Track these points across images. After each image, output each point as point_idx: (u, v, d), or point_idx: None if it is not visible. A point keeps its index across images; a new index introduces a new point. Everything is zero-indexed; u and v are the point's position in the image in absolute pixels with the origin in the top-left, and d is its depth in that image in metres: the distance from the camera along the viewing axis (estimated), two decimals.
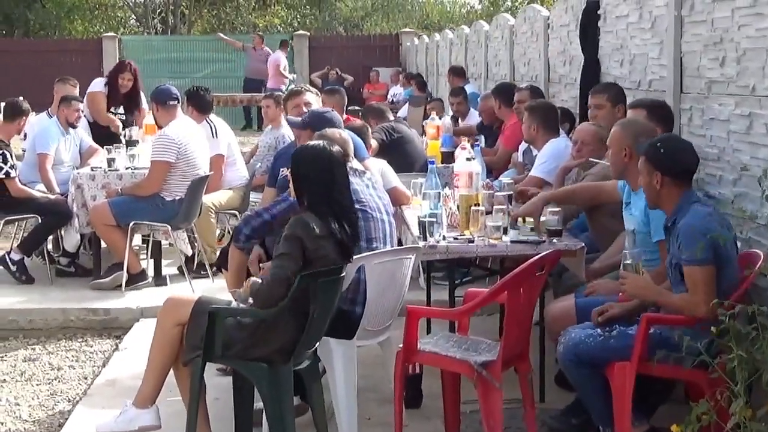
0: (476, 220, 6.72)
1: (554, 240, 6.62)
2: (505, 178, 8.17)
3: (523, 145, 9.51)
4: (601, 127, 7.52)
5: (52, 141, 10.69)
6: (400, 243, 7.15)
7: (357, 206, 6.26)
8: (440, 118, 11.33)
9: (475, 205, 6.88)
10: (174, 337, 5.88)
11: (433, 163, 7.36)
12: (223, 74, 29.63)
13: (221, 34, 32.27)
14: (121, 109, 12.07)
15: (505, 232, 6.68)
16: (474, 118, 12.80)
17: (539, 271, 5.87)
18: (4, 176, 10.09)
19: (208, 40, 31.91)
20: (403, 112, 18.91)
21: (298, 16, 43.31)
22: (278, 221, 6.30)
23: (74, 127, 10.92)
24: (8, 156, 10.13)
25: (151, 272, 10.19)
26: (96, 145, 11.17)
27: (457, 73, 16.25)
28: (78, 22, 37.84)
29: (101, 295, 9.68)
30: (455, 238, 6.66)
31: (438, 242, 6.57)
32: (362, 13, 44.45)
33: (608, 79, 9.11)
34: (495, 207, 6.88)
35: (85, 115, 11.62)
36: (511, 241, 6.60)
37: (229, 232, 11.38)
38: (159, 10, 41.74)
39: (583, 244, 6.64)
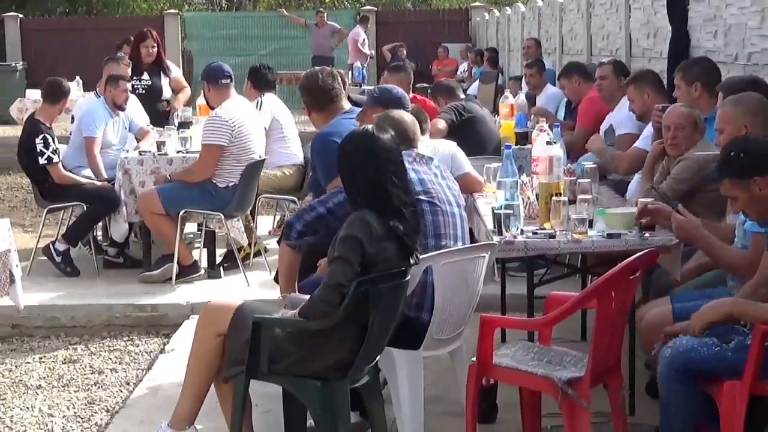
0: (558, 211, 5.94)
1: (646, 234, 5.83)
2: (586, 162, 7.39)
3: (604, 125, 8.73)
4: (692, 109, 6.71)
5: (99, 123, 10.06)
6: (472, 238, 6.38)
7: (424, 197, 5.55)
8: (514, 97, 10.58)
9: (557, 194, 6.10)
10: (213, 349, 5.19)
11: (509, 147, 6.55)
12: (290, 51, 28.94)
13: (283, 10, 31.59)
14: (145, 76, 11.52)
15: (590, 225, 5.90)
16: (551, 94, 11.99)
17: (632, 273, 5.10)
18: (46, 162, 9.51)
19: (272, 17, 31.18)
20: (472, 89, 18.15)
21: None
22: (335, 215, 5.55)
23: (122, 109, 10.25)
24: (50, 140, 9.55)
25: (204, 262, 9.54)
26: (147, 127, 10.52)
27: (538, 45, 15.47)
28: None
29: (149, 289, 9.06)
30: (534, 233, 5.90)
31: (515, 237, 5.81)
32: None
33: (699, 53, 8.32)
34: (579, 196, 6.11)
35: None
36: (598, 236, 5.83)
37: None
38: None
39: (678, 240, 5.83)
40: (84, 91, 18.96)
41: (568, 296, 5.29)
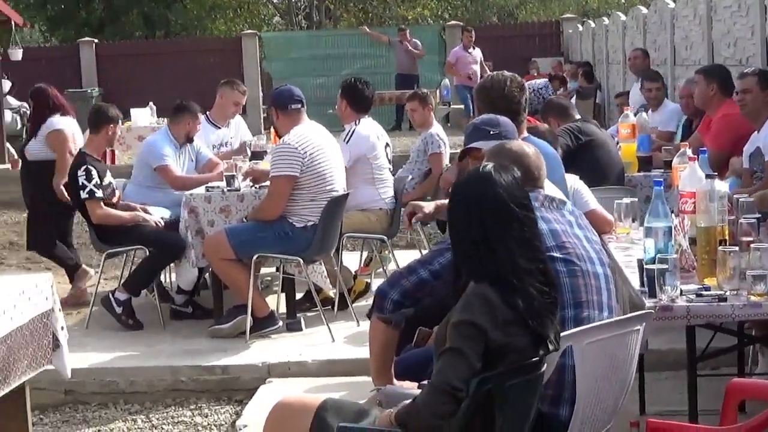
0: (725, 265, 4.63)
1: None
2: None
3: (749, 147, 7.40)
4: None
5: (166, 154, 9.09)
6: None
7: (558, 254, 4.28)
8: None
9: (722, 242, 4.80)
10: None
11: (660, 184, 5.19)
12: (373, 70, 27.90)
13: (365, 28, 30.57)
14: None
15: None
16: (671, 110, 10.68)
17: None
18: (87, 196, 8.50)
19: (354, 35, 30.24)
20: None
21: (449, 7, 41.75)
22: (442, 280, 4.29)
23: (191, 141, 9.25)
24: (93, 173, 8.54)
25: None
26: (217, 159, 9.42)
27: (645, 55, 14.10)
28: (220, 21, 36.96)
29: (220, 345, 7.97)
30: (698, 294, 4.58)
31: (674, 301, 4.51)
32: (517, 1, 42.62)
33: None
34: (740, 239, 4.82)
35: (208, 117, 9.92)
36: None
37: (377, 256, 9.57)
38: (303, 6, 40.77)
39: None
40: (158, 117, 18.12)
41: (760, 384, 3.98)
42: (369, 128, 9.02)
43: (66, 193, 9.26)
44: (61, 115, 9.68)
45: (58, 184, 9.46)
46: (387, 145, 9.24)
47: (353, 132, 8.81)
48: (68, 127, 9.67)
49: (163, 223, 8.73)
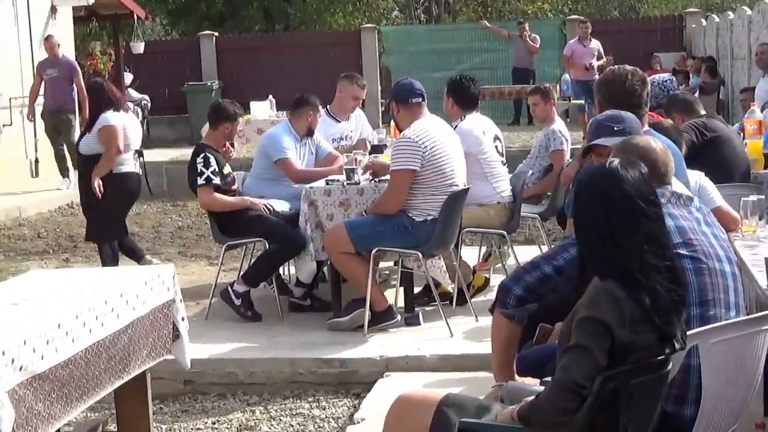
0: None
1: None
2: None
3: None
4: None
5: (287, 146, 9.12)
6: None
7: (684, 251, 4.19)
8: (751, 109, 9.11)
9: None
10: None
11: None
12: (491, 65, 27.81)
13: (485, 22, 30.37)
14: None
15: None
16: None
17: None
18: (204, 182, 8.58)
19: (473, 29, 30.04)
20: None
21: (569, 1, 41.30)
22: (566, 276, 4.23)
23: (311, 134, 9.29)
24: (212, 160, 8.65)
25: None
26: (336, 152, 9.44)
27: None
28: (339, 15, 36.95)
29: (338, 339, 7.96)
30: None
31: None
32: None
33: None
34: None
35: (328, 110, 9.92)
36: None
37: (496, 251, 9.51)
38: (422, 1, 40.62)
39: None
40: (277, 110, 18.22)
41: None
42: (473, 123, 8.95)
43: (100, 187, 9.48)
44: (115, 110, 9.73)
45: (96, 176, 9.55)
46: (496, 138, 9.14)
47: (456, 128, 8.75)
48: (120, 122, 9.70)
49: (272, 209, 8.76)
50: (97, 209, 9.77)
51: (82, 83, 16.79)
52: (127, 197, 9.97)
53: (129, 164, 9.80)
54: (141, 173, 10.22)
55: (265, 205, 8.74)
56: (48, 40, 17.52)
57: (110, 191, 9.60)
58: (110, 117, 9.63)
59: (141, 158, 10.24)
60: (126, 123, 9.79)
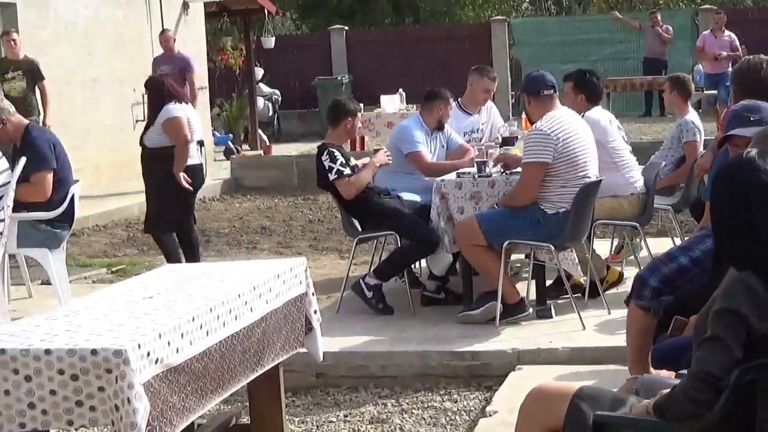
0: None
1: None
2: None
3: None
4: None
5: (418, 140, 9.16)
6: None
7: None
8: None
9: None
10: None
11: None
12: (622, 56, 27.52)
13: (616, 13, 30.07)
14: None
15: None
16: None
17: None
18: (336, 176, 8.61)
19: (604, 20, 29.72)
20: None
21: None
22: (702, 267, 4.16)
23: (442, 128, 9.31)
24: (337, 155, 8.68)
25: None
26: (467, 145, 9.42)
27: None
28: (469, 8, 36.93)
29: (469, 332, 7.92)
30: None
31: None
32: None
33: None
34: None
35: (459, 104, 9.90)
36: None
37: (628, 243, 9.43)
38: None
39: None
40: (407, 103, 18.25)
41: None
42: (599, 113, 8.93)
43: (185, 179, 9.58)
44: (177, 102, 9.81)
45: (178, 171, 9.63)
46: (618, 128, 9.11)
47: (583, 118, 8.65)
48: (183, 114, 9.77)
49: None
50: (159, 201, 9.95)
51: (194, 79, 17.06)
52: (191, 189, 10.01)
53: (193, 157, 9.91)
54: (203, 164, 10.36)
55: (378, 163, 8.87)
56: (163, 33, 17.68)
57: (174, 184, 9.71)
58: (172, 109, 9.75)
59: (203, 148, 10.36)
60: (188, 114, 9.93)
